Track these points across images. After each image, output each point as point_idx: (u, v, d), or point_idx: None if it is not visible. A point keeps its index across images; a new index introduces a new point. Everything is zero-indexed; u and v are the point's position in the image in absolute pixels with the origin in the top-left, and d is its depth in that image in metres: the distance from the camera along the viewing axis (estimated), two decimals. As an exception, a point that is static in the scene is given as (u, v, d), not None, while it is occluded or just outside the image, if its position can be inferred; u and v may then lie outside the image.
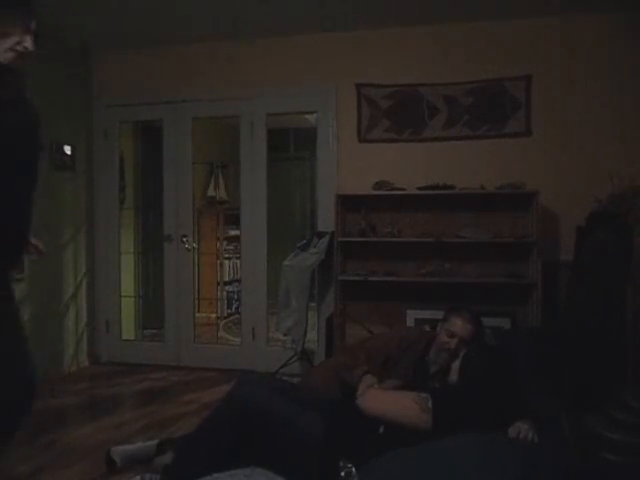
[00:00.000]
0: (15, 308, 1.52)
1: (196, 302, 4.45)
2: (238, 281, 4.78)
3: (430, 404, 1.79)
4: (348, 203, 3.70)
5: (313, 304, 3.92)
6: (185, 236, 4.12)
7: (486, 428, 1.74)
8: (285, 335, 3.72)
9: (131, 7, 3.39)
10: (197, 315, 4.43)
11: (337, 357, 2.96)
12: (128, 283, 4.42)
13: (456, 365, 2.09)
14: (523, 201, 3.44)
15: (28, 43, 1.43)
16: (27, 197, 1.40)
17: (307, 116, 4.51)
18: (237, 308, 4.33)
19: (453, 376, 2.07)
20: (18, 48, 1.42)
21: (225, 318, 5.46)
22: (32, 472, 2.26)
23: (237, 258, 5.31)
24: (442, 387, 1.99)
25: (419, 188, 3.50)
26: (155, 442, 2.29)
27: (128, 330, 4.37)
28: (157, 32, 3.83)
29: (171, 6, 3.38)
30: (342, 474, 1.66)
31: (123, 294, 4.30)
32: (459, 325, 2.21)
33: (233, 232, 5.44)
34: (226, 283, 5.64)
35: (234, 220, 4.72)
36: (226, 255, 5.76)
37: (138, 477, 1.95)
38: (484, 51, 3.60)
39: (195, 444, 1.90)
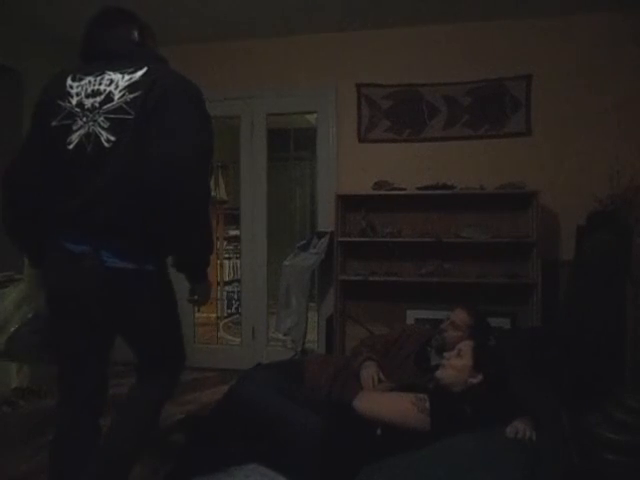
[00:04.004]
0: None
1: (196, 302, 4.43)
2: (238, 281, 4.77)
3: (428, 405, 1.79)
4: (348, 203, 3.70)
5: (313, 304, 3.92)
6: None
7: (485, 428, 1.74)
8: (285, 335, 3.72)
9: (131, 7, 3.39)
10: (197, 315, 4.42)
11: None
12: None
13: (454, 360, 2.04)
14: (523, 201, 3.44)
15: None
16: None
17: (307, 116, 4.51)
18: (237, 308, 4.32)
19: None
20: None
21: (225, 318, 5.46)
22: (32, 472, 2.26)
23: (237, 258, 5.30)
24: (439, 387, 1.99)
25: (419, 188, 3.49)
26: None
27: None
28: (157, 32, 3.82)
29: (171, 6, 3.38)
30: None
31: (123, 294, 4.29)
32: (455, 311, 2.41)
33: (233, 232, 5.43)
34: (226, 283, 5.63)
35: (234, 220, 4.71)
36: (226, 255, 5.75)
37: None
38: (484, 51, 3.60)
39: (197, 441, 1.91)
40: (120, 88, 1.43)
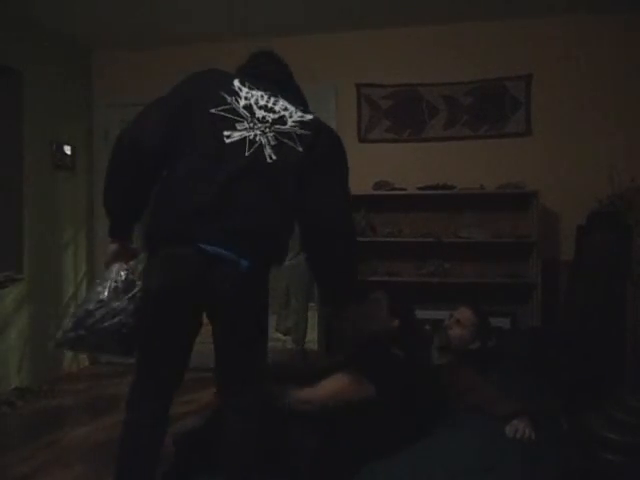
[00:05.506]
0: None
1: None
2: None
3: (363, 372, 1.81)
4: (348, 203, 3.70)
5: (313, 304, 3.92)
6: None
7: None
8: (285, 335, 3.72)
9: (131, 7, 3.40)
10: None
11: None
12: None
13: None
14: (523, 201, 3.44)
15: None
16: None
17: (307, 116, 4.51)
18: (237, 308, 4.34)
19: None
20: None
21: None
22: (32, 472, 2.26)
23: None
24: (367, 341, 2.01)
25: (419, 188, 3.50)
26: None
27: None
28: (157, 32, 3.83)
29: (171, 6, 3.38)
30: None
31: (123, 294, 4.29)
32: (460, 310, 2.39)
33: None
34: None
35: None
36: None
37: None
38: (484, 51, 3.60)
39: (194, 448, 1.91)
40: (293, 119, 1.55)
